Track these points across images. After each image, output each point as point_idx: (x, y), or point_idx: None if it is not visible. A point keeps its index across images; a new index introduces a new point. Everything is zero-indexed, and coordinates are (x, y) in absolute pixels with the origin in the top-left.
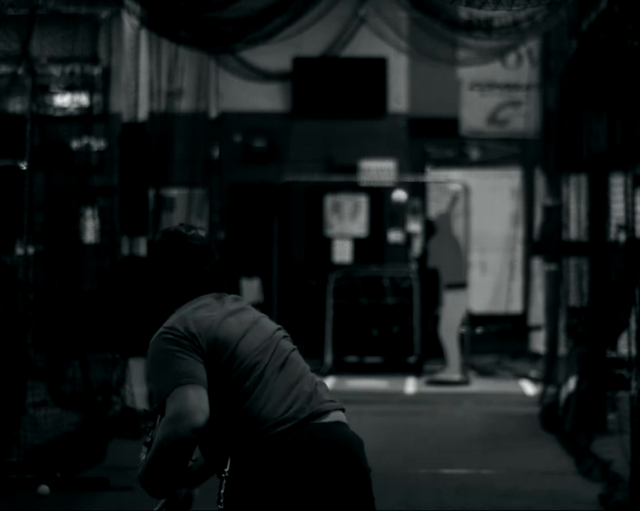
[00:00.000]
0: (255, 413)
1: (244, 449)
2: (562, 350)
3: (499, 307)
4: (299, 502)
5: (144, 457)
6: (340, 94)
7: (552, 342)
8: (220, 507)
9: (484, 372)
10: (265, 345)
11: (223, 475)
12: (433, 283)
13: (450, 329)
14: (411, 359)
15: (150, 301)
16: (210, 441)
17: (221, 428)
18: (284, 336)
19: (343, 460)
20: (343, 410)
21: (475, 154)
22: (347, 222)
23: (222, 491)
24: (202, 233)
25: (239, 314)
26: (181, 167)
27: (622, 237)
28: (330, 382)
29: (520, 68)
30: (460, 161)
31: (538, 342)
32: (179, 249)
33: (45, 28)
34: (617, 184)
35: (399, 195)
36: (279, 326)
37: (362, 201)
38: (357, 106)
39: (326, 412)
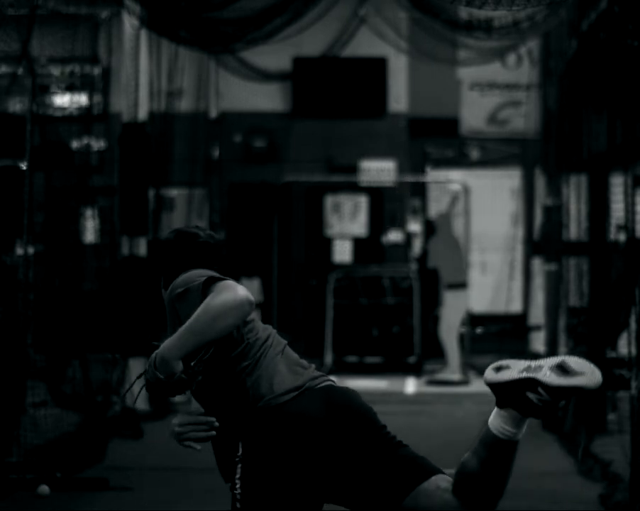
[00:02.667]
0: (260, 386)
1: (252, 421)
2: (562, 350)
3: (499, 307)
4: (312, 458)
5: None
6: (340, 94)
7: (552, 342)
8: (236, 491)
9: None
10: (268, 332)
11: (236, 459)
12: (433, 283)
13: (450, 329)
14: (411, 359)
15: (157, 296)
16: (219, 420)
17: (228, 403)
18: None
19: (343, 408)
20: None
21: (475, 154)
22: (347, 222)
23: (237, 476)
24: (215, 235)
25: None
26: (181, 167)
27: (622, 237)
28: None
29: (520, 68)
30: (460, 161)
31: (538, 342)
32: (190, 246)
33: (45, 28)
34: (617, 184)
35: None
36: None
37: (362, 201)
38: (357, 106)
39: (320, 383)
